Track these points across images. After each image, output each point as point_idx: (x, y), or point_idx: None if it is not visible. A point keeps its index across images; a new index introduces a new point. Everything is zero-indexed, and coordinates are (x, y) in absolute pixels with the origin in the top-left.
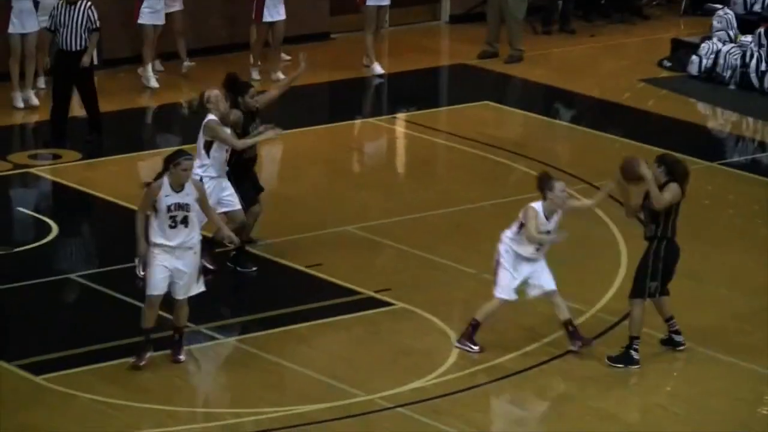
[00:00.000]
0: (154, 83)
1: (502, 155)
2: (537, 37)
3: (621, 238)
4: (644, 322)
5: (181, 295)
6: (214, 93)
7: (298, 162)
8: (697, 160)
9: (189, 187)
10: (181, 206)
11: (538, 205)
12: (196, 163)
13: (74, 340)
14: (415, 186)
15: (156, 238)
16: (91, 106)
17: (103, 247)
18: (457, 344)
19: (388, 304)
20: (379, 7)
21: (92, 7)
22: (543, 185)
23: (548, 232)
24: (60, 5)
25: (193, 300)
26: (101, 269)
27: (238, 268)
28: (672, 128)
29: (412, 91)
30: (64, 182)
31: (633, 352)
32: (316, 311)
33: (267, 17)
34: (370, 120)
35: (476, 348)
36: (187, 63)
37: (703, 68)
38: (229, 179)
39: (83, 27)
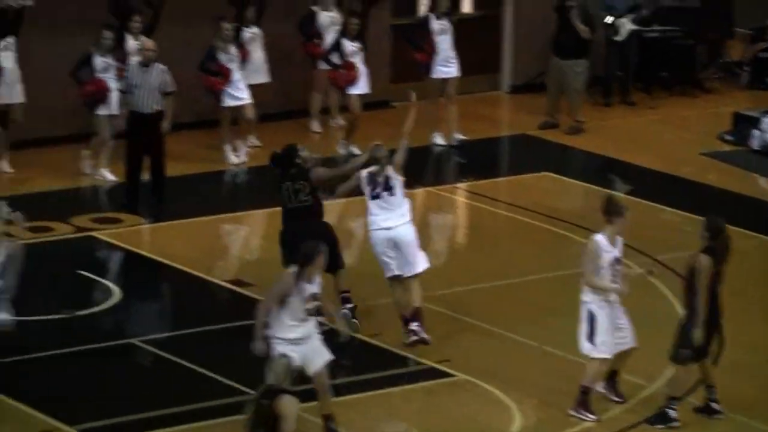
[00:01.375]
0: (233, 159)
1: (562, 226)
2: (597, 109)
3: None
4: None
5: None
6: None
7: (360, 231)
8: (757, 234)
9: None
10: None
11: (599, 237)
12: None
13: (136, 406)
14: (475, 256)
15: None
16: (158, 170)
17: (165, 311)
18: (572, 412)
19: (449, 374)
20: (444, 79)
21: (167, 70)
22: (612, 209)
23: (617, 259)
24: (134, 66)
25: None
26: (163, 334)
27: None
28: (732, 202)
29: (472, 160)
30: (127, 246)
31: (670, 411)
32: (376, 381)
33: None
34: (431, 189)
35: (593, 417)
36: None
37: (764, 142)
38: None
39: (158, 89)
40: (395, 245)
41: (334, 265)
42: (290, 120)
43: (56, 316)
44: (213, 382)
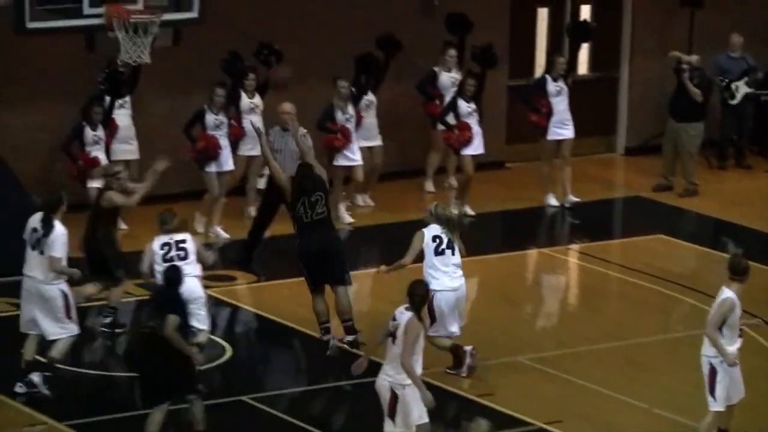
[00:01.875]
0: (347, 218)
1: (673, 288)
2: (712, 172)
3: None
4: None
5: None
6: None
7: (471, 290)
8: None
9: None
10: None
11: (733, 294)
12: None
13: None
14: (587, 318)
15: None
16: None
17: (275, 369)
18: None
19: None
20: (559, 141)
21: (306, 135)
22: (741, 269)
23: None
24: (275, 131)
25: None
26: (273, 392)
27: None
28: None
29: (586, 222)
30: (239, 304)
31: None
32: None
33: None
34: (544, 250)
35: None
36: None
37: None
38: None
39: (296, 154)
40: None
41: (340, 278)
42: (405, 180)
43: None
44: None
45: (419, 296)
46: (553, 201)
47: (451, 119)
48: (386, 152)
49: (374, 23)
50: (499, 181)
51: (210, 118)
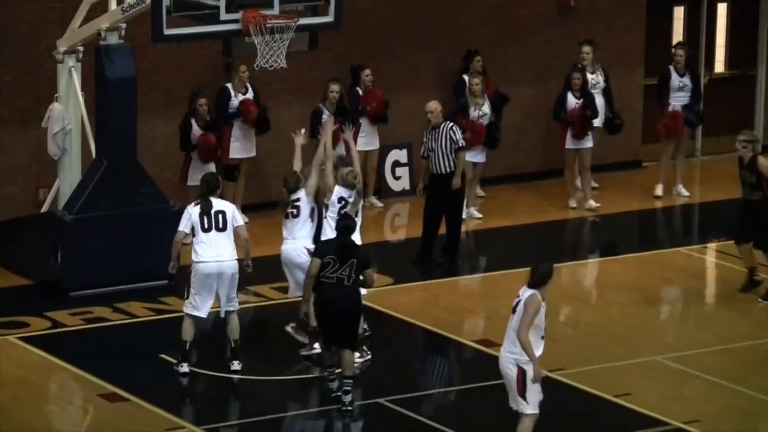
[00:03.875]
0: (477, 214)
1: None
2: None
3: None
4: None
5: None
6: None
7: (607, 290)
8: None
9: None
10: None
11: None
12: None
13: None
14: (726, 316)
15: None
16: (454, 229)
17: (411, 371)
18: None
19: None
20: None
21: (453, 128)
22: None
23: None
24: (428, 131)
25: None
26: (410, 394)
27: None
28: None
29: (723, 220)
30: (375, 306)
31: None
32: None
33: (569, 144)
34: (681, 249)
35: None
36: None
37: None
38: None
39: (448, 148)
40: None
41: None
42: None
43: (304, 375)
44: None
45: (540, 274)
46: (684, 192)
47: (563, 114)
48: (526, 152)
49: (512, 24)
50: (636, 180)
51: (325, 117)
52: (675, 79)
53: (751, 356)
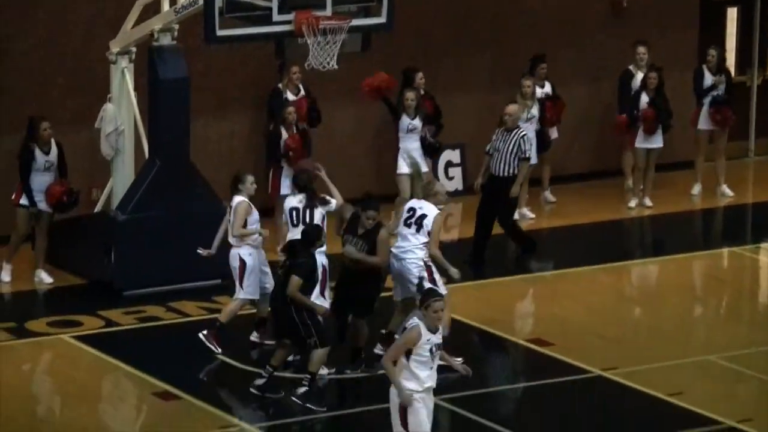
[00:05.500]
0: (530, 214)
1: None
2: None
3: None
4: None
5: None
6: None
7: (661, 290)
8: None
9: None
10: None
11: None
12: None
13: None
14: None
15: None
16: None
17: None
18: None
19: None
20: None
21: (525, 137)
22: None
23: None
24: (499, 131)
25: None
26: (462, 393)
27: None
28: None
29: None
30: None
31: None
32: None
33: (640, 143)
34: (734, 249)
35: None
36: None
37: None
38: None
39: (513, 154)
40: None
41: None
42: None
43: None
44: None
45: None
46: (728, 192)
47: (633, 114)
48: (581, 152)
49: (565, 24)
50: (688, 180)
51: (404, 123)
52: (708, 78)
53: None
